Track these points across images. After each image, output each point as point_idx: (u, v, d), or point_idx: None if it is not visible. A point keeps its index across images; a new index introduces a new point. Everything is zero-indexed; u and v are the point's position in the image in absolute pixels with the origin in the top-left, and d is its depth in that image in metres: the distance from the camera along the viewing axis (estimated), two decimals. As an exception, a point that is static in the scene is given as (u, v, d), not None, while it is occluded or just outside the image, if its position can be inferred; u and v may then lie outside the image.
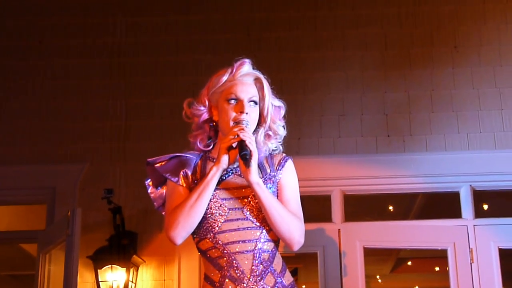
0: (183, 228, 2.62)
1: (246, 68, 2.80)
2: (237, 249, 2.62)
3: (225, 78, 2.78)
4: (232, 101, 2.74)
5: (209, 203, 2.65)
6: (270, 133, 2.85)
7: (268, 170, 2.78)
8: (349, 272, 5.24)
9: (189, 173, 2.76)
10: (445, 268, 5.57)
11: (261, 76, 2.82)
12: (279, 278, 2.65)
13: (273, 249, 2.69)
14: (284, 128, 2.88)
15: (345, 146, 5.50)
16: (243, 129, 2.63)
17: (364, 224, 5.66)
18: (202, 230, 2.68)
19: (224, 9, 5.87)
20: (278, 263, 2.69)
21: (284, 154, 2.87)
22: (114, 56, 5.76)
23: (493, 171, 5.40)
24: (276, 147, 2.87)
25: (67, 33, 5.83)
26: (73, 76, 5.72)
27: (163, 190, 2.85)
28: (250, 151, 2.59)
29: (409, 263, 11.27)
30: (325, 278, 5.27)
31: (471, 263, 5.25)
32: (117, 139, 5.55)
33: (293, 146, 5.31)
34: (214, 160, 2.74)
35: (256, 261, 2.62)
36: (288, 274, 2.72)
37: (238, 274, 2.60)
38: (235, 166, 2.75)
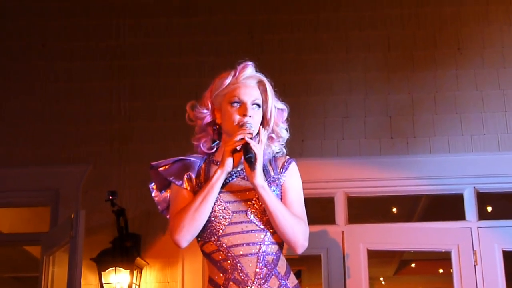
0: (188, 231, 2.62)
1: (249, 70, 2.80)
2: (241, 252, 2.62)
3: (228, 81, 2.78)
4: (235, 104, 2.74)
5: (213, 206, 2.65)
6: (273, 135, 2.84)
7: (272, 173, 2.78)
8: (352, 274, 5.23)
9: (193, 176, 2.76)
10: (449, 270, 5.56)
11: (264, 79, 2.82)
12: (283, 281, 2.65)
13: (277, 252, 2.69)
14: (287, 131, 2.88)
15: (349, 148, 5.50)
16: (247, 132, 2.63)
17: (368, 226, 5.66)
18: (206, 233, 2.67)
19: (226, 11, 5.87)
20: (282, 265, 2.69)
21: (287, 157, 2.87)
22: (116, 58, 5.77)
23: (497, 173, 5.39)
24: (279, 149, 2.87)
25: (70, 35, 5.84)
26: (76, 79, 5.73)
27: (167, 194, 2.85)
28: (255, 154, 2.59)
29: (413, 265, 11.25)
30: (329, 280, 5.26)
31: (475, 265, 5.24)
32: (120, 141, 5.55)
33: (296, 148, 5.30)
34: (218, 163, 2.73)
35: (260, 264, 2.62)
36: (292, 276, 2.71)
37: (242, 277, 2.60)
38: (239, 169, 2.75)
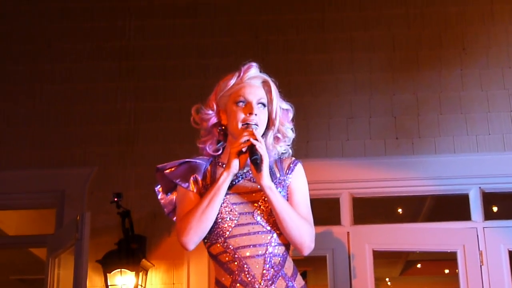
0: (195, 233, 2.62)
1: (253, 71, 2.80)
2: (248, 254, 2.62)
3: (232, 81, 2.79)
4: (241, 103, 2.75)
5: (219, 208, 2.65)
6: (279, 136, 2.84)
7: (278, 174, 2.78)
8: (358, 275, 5.23)
9: (199, 179, 2.75)
10: (454, 270, 5.56)
11: (269, 79, 2.82)
12: (290, 282, 2.64)
13: (284, 253, 2.68)
14: (293, 131, 2.88)
15: (354, 149, 5.49)
16: (252, 133, 2.63)
17: (373, 227, 5.65)
18: (213, 235, 2.67)
19: (231, 12, 5.87)
20: (289, 267, 2.69)
21: (293, 158, 2.86)
22: (122, 59, 5.77)
23: (503, 173, 5.38)
24: (285, 150, 2.87)
25: (75, 37, 5.84)
26: (81, 80, 5.73)
27: (173, 196, 2.84)
28: (261, 155, 2.59)
29: (419, 265, 11.25)
30: (334, 281, 5.26)
31: (480, 266, 5.23)
32: (125, 142, 5.56)
33: (301, 149, 5.25)
34: (224, 165, 2.73)
35: (267, 265, 2.62)
36: (299, 277, 2.71)
37: (249, 279, 2.59)
38: (245, 171, 2.75)
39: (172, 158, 2.89)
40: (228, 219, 2.65)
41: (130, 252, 5.01)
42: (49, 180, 5.49)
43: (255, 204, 2.68)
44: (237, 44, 5.76)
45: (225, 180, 2.64)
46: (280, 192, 2.70)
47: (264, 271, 2.61)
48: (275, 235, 2.66)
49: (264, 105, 2.78)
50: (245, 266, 2.60)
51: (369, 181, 5.44)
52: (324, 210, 5.52)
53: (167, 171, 2.80)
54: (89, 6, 5.93)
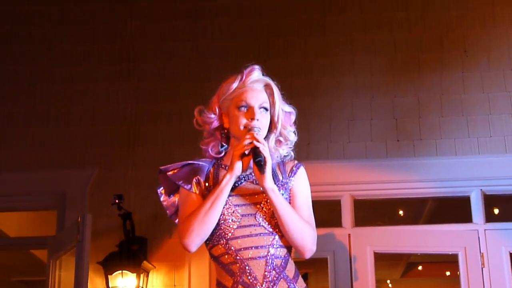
0: (198, 235, 2.62)
1: (256, 74, 2.80)
2: (250, 255, 2.62)
3: (235, 85, 2.78)
4: (243, 108, 2.75)
5: (222, 210, 2.65)
6: (281, 139, 2.84)
7: (281, 177, 2.78)
8: (359, 277, 5.23)
9: (202, 180, 2.75)
10: (456, 272, 5.55)
11: (271, 82, 2.82)
12: (291, 284, 2.64)
13: (286, 255, 2.68)
14: (295, 134, 2.88)
15: (355, 151, 5.49)
16: (255, 136, 2.63)
17: (375, 229, 5.66)
18: (215, 236, 2.67)
19: (232, 15, 5.88)
20: (291, 269, 2.69)
21: (296, 161, 2.86)
22: (123, 61, 5.78)
23: (504, 175, 5.38)
24: (287, 153, 2.87)
25: (76, 38, 5.85)
26: (82, 82, 5.74)
27: (175, 198, 2.85)
28: (264, 157, 2.59)
29: (420, 267, 11.24)
30: (336, 283, 5.26)
31: (482, 268, 5.23)
32: (126, 144, 5.56)
33: (302, 151, 5.27)
34: (227, 167, 2.74)
35: (269, 267, 2.62)
36: (300, 280, 2.71)
37: (251, 280, 2.59)
38: (247, 173, 2.75)
39: (172, 160, 2.89)
40: (230, 220, 2.65)
41: (131, 253, 5.01)
42: (50, 181, 5.50)
43: (257, 206, 2.68)
44: (238, 46, 5.76)
45: (228, 182, 2.64)
46: (283, 194, 2.70)
47: (266, 273, 2.61)
48: (277, 237, 2.66)
49: (266, 109, 2.78)
50: (247, 267, 2.60)
51: (370, 183, 5.44)
52: (325, 212, 5.53)
53: (170, 173, 2.80)
54: (90, 8, 5.94)
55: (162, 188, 2.87)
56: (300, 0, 5.91)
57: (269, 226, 2.66)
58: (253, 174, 2.73)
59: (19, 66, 5.81)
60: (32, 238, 6.30)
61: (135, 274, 4.98)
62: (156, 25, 5.87)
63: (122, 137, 5.58)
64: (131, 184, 5.43)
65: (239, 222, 2.65)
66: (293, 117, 2.88)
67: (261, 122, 2.74)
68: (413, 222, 7.22)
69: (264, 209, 2.68)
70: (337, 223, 5.45)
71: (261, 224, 2.66)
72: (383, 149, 5.51)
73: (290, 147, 2.88)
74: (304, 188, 2.80)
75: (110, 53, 5.80)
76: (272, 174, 2.70)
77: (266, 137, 2.78)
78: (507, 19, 5.76)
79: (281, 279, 2.62)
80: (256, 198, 2.69)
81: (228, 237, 2.65)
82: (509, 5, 5.80)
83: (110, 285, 4.99)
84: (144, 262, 5.06)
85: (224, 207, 2.65)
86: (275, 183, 2.68)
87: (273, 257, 2.63)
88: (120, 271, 4.99)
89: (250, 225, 2.65)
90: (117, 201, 5.00)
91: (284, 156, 2.86)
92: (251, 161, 2.65)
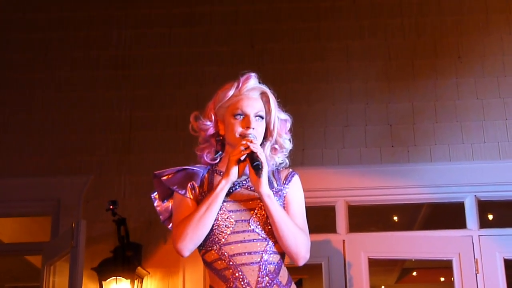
0: (191, 240, 2.62)
1: (252, 82, 2.80)
2: (243, 261, 2.61)
3: (231, 92, 2.78)
4: (239, 116, 2.75)
5: (216, 215, 2.65)
6: (277, 146, 2.85)
7: (275, 184, 2.78)
8: (354, 283, 5.23)
9: (197, 186, 2.75)
10: (450, 278, 5.56)
11: (267, 90, 2.82)
12: (285, 290, 2.65)
13: (279, 262, 2.68)
14: (290, 142, 2.88)
15: (349, 157, 5.50)
16: (252, 141, 2.63)
17: (369, 235, 5.66)
18: (208, 242, 2.67)
19: (228, 21, 5.89)
20: (284, 275, 2.69)
21: (290, 170, 2.86)
22: (118, 68, 5.78)
23: (498, 181, 5.39)
24: (282, 160, 2.87)
25: (72, 45, 5.86)
26: (77, 88, 5.74)
27: (169, 204, 2.84)
28: (261, 162, 2.59)
29: (414, 273, 11.24)
30: (330, 289, 5.26)
31: (476, 274, 5.23)
32: (121, 151, 5.56)
33: (297, 157, 5.31)
34: (221, 173, 2.74)
35: (262, 273, 2.62)
36: (293, 286, 2.71)
37: (244, 286, 2.59)
38: (242, 179, 2.75)
39: (167, 166, 2.88)
40: (224, 226, 2.65)
41: (126, 260, 5.01)
42: (45, 188, 5.49)
43: (251, 212, 2.68)
44: (233, 53, 5.77)
45: (223, 188, 2.65)
46: (277, 201, 2.70)
47: (259, 279, 2.61)
48: (270, 243, 2.66)
49: (262, 117, 2.78)
50: (240, 273, 2.60)
51: (365, 189, 5.45)
52: (319, 218, 5.54)
53: (164, 177, 2.80)
54: (86, 15, 5.94)
55: (156, 193, 2.87)
56: (295, 7, 5.92)
57: (263, 232, 2.66)
58: (247, 180, 2.74)
59: (15, 73, 5.81)
60: (27, 244, 6.29)
61: (129, 280, 4.98)
62: (151, 32, 5.88)
63: (117, 144, 5.58)
64: (126, 190, 5.43)
65: (232, 227, 2.65)
66: (288, 125, 2.88)
67: (257, 130, 2.74)
68: (408, 228, 7.23)
69: (258, 215, 2.67)
70: (332, 229, 5.45)
71: (254, 230, 2.66)
72: (378, 155, 5.52)
73: (285, 155, 2.88)
74: (298, 196, 2.81)
75: (106, 60, 5.81)
76: (267, 181, 2.70)
77: (262, 145, 2.77)
78: (501, 25, 5.79)
79: (274, 285, 2.62)
80: (250, 204, 2.69)
81: (222, 242, 2.65)
82: (503, 11, 5.83)
83: (104, 291, 4.99)
84: (139, 268, 5.06)
85: (218, 213, 2.65)
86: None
87: (266, 263, 2.63)
88: (115, 277, 4.98)
89: (243, 231, 2.65)
90: (111, 207, 4.99)
91: (279, 163, 2.87)
92: (246, 168, 2.66)
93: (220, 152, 2.85)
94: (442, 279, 10.93)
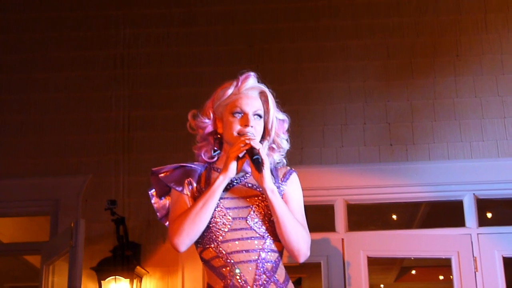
0: (188, 235, 2.62)
1: (251, 81, 2.81)
2: (240, 259, 2.62)
3: (230, 91, 2.79)
4: (237, 115, 2.76)
5: (213, 212, 2.65)
6: (274, 146, 2.86)
7: (273, 181, 2.78)
8: (353, 281, 5.23)
9: (194, 182, 2.76)
10: (449, 276, 5.57)
11: (266, 90, 2.83)
12: (282, 288, 2.65)
13: (277, 260, 2.69)
14: (288, 142, 2.89)
15: (348, 156, 5.51)
16: (250, 138, 2.64)
17: (368, 233, 5.66)
18: (205, 239, 2.68)
19: (226, 21, 5.89)
20: (281, 273, 2.69)
21: (288, 167, 2.87)
22: (116, 68, 5.78)
23: (497, 180, 5.39)
24: (279, 160, 2.88)
25: (69, 45, 5.85)
26: (75, 89, 5.74)
27: (166, 201, 2.85)
28: (261, 156, 2.59)
29: (413, 272, 11.24)
30: (329, 288, 5.26)
31: (475, 272, 5.24)
32: (120, 150, 5.56)
33: (296, 156, 5.31)
34: (219, 170, 2.74)
35: (259, 271, 2.62)
36: (290, 284, 2.71)
37: (241, 283, 2.60)
38: (240, 176, 2.75)
39: (167, 165, 2.89)
40: (221, 223, 2.66)
41: (125, 259, 5.01)
42: (44, 188, 5.49)
43: (249, 209, 2.68)
44: (231, 52, 5.77)
45: (221, 184, 2.65)
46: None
47: (256, 276, 2.61)
48: (268, 241, 2.66)
49: (260, 116, 2.79)
50: (237, 271, 2.61)
51: (364, 187, 5.45)
52: (318, 217, 5.54)
53: (162, 174, 2.81)
54: (84, 15, 5.94)
55: (153, 190, 2.87)
56: (293, 7, 5.92)
57: (260, 230, 2.66)
58: (245, 177, 2.74)
59: (13, 73, 5.81)
60: (26, 244, 6.29)
61: (128, 279, 4.98)
62: (149, 32, 5.88)
63: (116, 143, 5.58)
64: (125, 190, 5.43)
65: (230, 225, 2.66)
66: (286, 125, 2.89)
67: (255, 129, 2.75)
68: (407, 227, 7.24)
69: (255, 212, 2.68)
70: (331, 227, 5.46)
71: (252, 227, 2.66)
72: (376, 153, 5.52)
73: (283, 155, 2.89)
74: (296, 194, 2.81)
75: (104, 60, 5.81)
76: (266, 178, 2.70)
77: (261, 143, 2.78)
78: (499, 24, 5.79)
79: (271, 283, 2.63)
80: (248, 201, 2.70)
81: (219, 240, 2.65)
82: (501, 10, 5.83)
83: (103, 291, 4.99)
84: (138, 267, 5.06)
85: (215, 210, 2.65)
86: (268, 186, 2.68)
87: (263, 261, 2.63)
88: (114, 277, 4.98)
89: (241, 229, 2.66)
90: (110, 206, 5.00)
91: (277, 163, 2.87)
92: (245, 165, 2.67)
93: (218, 151, 2.85)
94: (441, 277, 10.93)
